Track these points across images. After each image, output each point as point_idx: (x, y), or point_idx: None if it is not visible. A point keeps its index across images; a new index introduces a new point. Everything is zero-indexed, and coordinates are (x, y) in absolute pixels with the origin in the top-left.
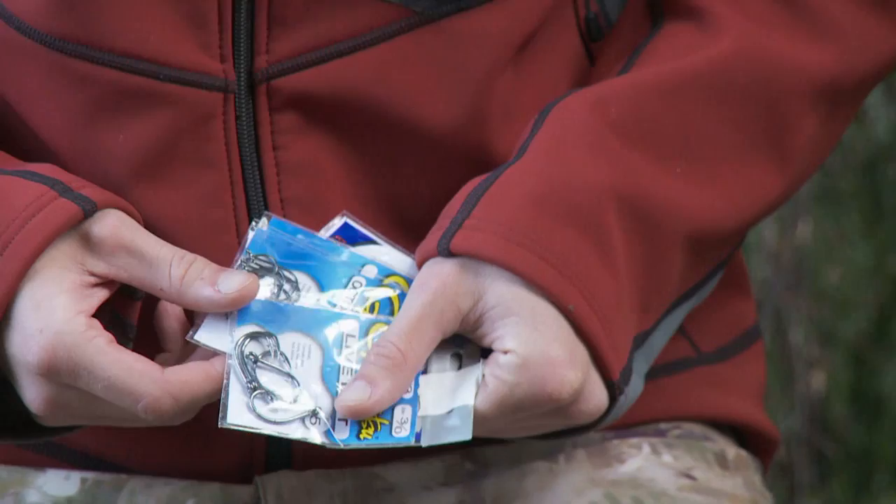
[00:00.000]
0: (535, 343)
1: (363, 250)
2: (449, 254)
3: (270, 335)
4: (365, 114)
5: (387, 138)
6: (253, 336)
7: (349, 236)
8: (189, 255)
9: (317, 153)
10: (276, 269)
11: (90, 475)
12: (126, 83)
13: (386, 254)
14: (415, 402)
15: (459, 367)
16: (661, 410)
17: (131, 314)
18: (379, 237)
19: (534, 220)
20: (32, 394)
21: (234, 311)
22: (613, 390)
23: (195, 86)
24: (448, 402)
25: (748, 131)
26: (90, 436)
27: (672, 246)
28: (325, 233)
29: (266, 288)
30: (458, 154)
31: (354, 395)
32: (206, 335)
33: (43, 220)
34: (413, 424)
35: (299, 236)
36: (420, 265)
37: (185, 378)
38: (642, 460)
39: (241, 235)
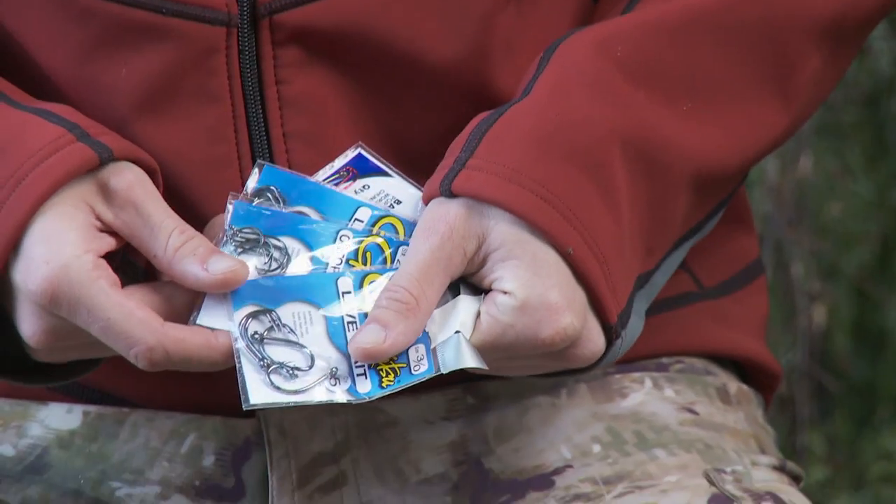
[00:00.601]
0: (533, 287)
1: (373, 182)
2: (451, 194)
3: (270, 311)
4: (367, 48)
5: (389, 73)
6: (252, 315)
7: (361, 167)
8: (190, 231)
9: (319, 88)
10: (263, 239)
11: (92, 408)
12: (129, 17)
13: (396, 186)
14: (425, 339)
15: (457, 294)
16: (663, 345)
17: (141, 257)
18: (391, 169)
19: (537, 160)
20: (29, 325)
21: (229, 294)
22: (610, 334)
23: (198, 20)
24: (453, 327)
25: (753, 69)
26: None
27: (677, 186)
28: (340, 162)
29: (256, 260)
30: (460, 89)
31: (369, 338)
32: (208, 318)
33: (59, 161)
34: (429, 359)
35: (295, 184)
36: (426, 202)
37: (183, 336)
38: (644, 395)
39: (243, 171)
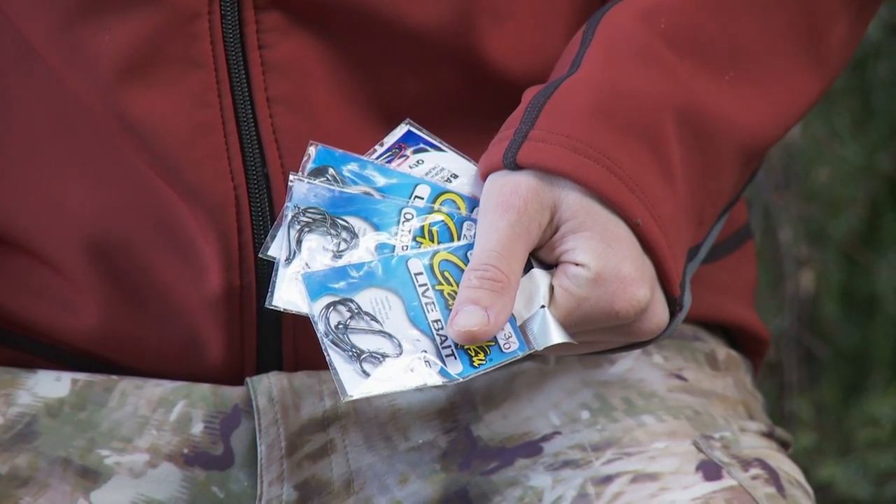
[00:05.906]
0: (607, 259)
1: (426, 157)
2: (515, 166)
3: (349, 300)
4: (349, 12)
5: (372, 38)
6: (331, 306)
7: (413, 143)
8: None
9: (302, 52)
10: (329, 219)
11: (81, 376)
12: None
13: (450, 160)
14: (510, 316)
15: (527, 270)
16: None
17: None
18: (442, 143)
19: (598, 131)
20: None
21: (302, 282)
22: (674, 305)
23: None
24: (537, 302)
25: (788, 36)
26: (82, 336)
27: (726, 158)
28: (390, 140)
29: (324, 240)
30: (445, 54)
31: (473, 320)
32: (283, 300)
33: None
34: (518, 336)
35: (351, 164)
36: (484, 176)
37: None
38: (633, 361)
39: (227, 136)
